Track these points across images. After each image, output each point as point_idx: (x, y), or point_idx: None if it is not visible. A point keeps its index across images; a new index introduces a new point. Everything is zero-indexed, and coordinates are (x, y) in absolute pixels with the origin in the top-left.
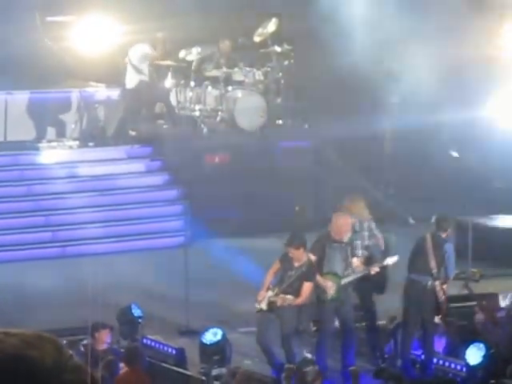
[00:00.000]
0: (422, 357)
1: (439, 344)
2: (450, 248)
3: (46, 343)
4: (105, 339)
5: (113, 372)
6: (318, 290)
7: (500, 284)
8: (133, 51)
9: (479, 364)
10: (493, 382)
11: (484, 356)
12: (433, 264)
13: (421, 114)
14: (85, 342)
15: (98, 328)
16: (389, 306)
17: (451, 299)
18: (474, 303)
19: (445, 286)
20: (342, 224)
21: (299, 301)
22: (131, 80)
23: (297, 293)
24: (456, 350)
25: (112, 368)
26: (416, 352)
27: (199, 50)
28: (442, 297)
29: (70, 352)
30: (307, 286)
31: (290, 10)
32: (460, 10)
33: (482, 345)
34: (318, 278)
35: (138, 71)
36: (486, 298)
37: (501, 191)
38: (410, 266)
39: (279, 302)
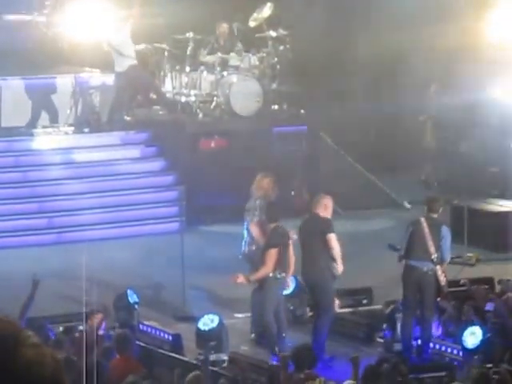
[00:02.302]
0: (419, 341)
1: (436, 328)
2: (446, 231)
3: (4, 323)
4: (99, 325)
5: (109, 358)
6: (323, 274)
7: (496, 268)
8: (111, 37)
9: (476, 348)
10: (490, 366)
11: (481, 340)
12: (432, 249)
13: (419, 99)
14: (80, 328)
15: (92, 314)
16: (385, 291)
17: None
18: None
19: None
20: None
21: (262, 272)
22: (119, 65)
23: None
24: (453, 333)
25: (108, 354)
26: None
27: (191, 34)
28: (443, 281)
29: (30, 332)
30: (267, 255)
31: None
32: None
33: (478, 329)
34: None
35: (123, 55)
36: (476, 289)
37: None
38: (408, 252)
39: (242, 281)
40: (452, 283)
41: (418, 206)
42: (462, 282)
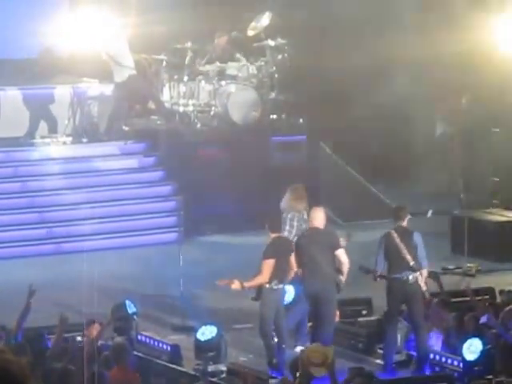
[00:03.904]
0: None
1: (435, 339)
2: (418, 237)
3: None
4: (98, 336)
5: (107, 368)
6: (330, 286)
7: (497, 279)
8: (108, 46)
9: (476, 360)
10: (490, 377)
11: (481, 352)
12: (408, 257)
13: (419, 109)
14: (79, 338)
15: (89, 324)
16: (385, 302)
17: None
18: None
19: (425, 276)
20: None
21: (256, 281)
22: (118, 75)
23: None
24: (453, 345)
25: (106, 364)
26: (411, 348)
27: (189, 44)
28: (423, 286)
29: None
30: (264, 264)
31: (284, 3)
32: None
33: (478, 340)
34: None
35: (121, 65)
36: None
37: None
38: (389, 267)
39: (236, 287)
40: (453, 293)
41: (419, 217)
42: (464, 287)
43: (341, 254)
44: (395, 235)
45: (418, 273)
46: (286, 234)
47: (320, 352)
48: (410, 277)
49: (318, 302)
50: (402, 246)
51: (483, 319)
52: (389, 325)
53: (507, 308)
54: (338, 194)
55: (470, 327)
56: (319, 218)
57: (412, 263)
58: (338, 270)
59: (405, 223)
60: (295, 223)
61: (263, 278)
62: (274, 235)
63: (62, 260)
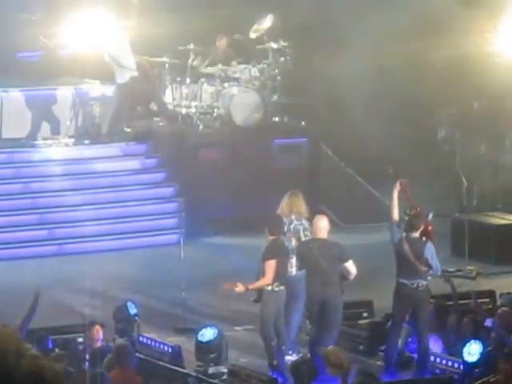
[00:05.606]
0: (417, 356)
1: (436, 342)
2: (430, 249)
3: (4, 335)
4: (97, 336)
5: (109, 370)
6: (337, 292)
7: (497, 281)
8: (110, 48)
9: (476, 362)
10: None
11: (481, 354)
12: (420, 267)
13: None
14: (80, 339)
15: (90, 325)
16: (386, 304)
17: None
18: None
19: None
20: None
21: (261, 283)
22: (120, 76)
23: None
24: (453, 347)
25: (108, 366)
26: (411, 350)
27: (192, 46)
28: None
29: (29, 344)
30: (267, 266)
31: (287, 5)
32: (452, 6)
33: (479, 342)
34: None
35: (123, 66)
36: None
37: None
38: (398, 271)
39: (240, 290)
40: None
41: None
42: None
43: (350, 265)
44: (406, 246)
45: (443, 279)
46: (293, 243)
47: (339, 355)
48: (420, 284)
49: (325, 308)
50: (412, 257)
51: (488, 323)
52: (393, 330)
53: (499, 310)
54: (338, 195)
55: (470, 329)
56: (323, 227)
57: (422, 271)
58: (344, 276)
59: (417, 234)
60: (301, 233)
61: (267, 279)
62: (272, 238)
63: (64, 261)
